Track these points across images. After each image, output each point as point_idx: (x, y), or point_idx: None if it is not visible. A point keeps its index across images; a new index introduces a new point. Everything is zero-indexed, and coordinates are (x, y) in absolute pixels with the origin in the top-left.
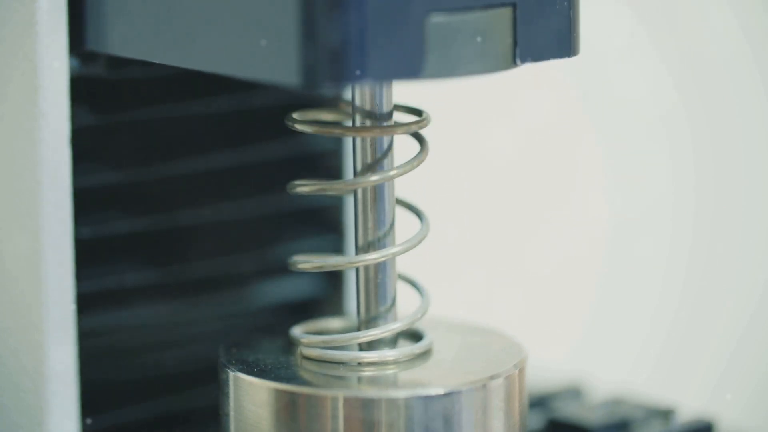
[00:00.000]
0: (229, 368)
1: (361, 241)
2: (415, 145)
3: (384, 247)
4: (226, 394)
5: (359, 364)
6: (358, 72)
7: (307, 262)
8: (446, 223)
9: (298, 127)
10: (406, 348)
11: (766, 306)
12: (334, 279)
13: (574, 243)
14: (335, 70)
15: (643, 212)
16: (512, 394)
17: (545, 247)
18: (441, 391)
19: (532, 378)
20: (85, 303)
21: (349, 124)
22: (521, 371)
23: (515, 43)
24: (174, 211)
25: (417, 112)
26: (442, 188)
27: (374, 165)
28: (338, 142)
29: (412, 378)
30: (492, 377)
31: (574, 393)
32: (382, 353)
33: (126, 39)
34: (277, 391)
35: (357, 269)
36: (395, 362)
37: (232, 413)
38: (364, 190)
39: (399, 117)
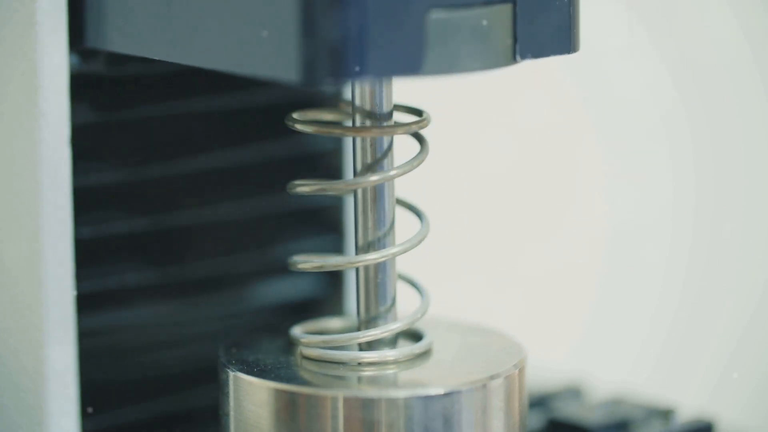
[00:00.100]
0: (229, 368)
1: (361, 241)
2: (415, 145)
3: (384, 247)
4: (226, 394)
5: (359, 364)
6: (357, 68)
7: (307, 262)
8: (446, 223)
9: (298, 126)
10: (406, 348)
11: (766, 306)
12: (334, 279)
13: (574, 243)
14: (335, 67)
15: (643, 212)
16: (512, 394)
17: (545, 247)
18: (441, 391)
19: (532, 378)
20: (85, 303)
21: (349, 124)
22: (521, 371)
23: (515, 40)
24: (174, 211)
25: (417, 112)
26: (442, 188)
27: (374, 165)
28: (338, 142)
29: (412, 378)
30: (492, 377)
31: (574, 393)
32: (382, 353)
33: (126, 36)
34: (277, 391)
35: (357, 269)
36: (395, 362)
37: (232, 413)
38: (364, 190)
39: (399, 117)
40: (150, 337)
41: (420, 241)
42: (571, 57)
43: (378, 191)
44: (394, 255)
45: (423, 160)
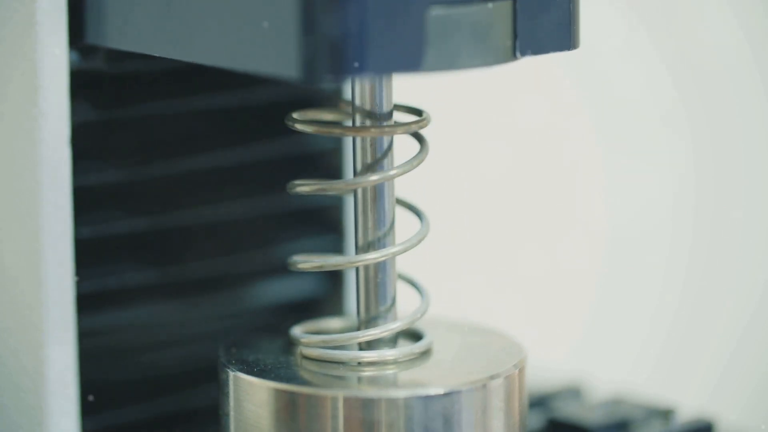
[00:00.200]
0: (229, 368)
1: (361, 241)
2: (415, 145)
3: (384, 247)
4: (226, 394)
5: (359, 363)
6: (357, 65)
7: (307, 262)
8: (446, 223)
9: (298, 126)
10: (406, 348)
11: (766, 306)
12: (334, 279)
13: (574, 243)
14: (335, 63)
15: (643, 212)
16: (512, 394)
17: (545, 246)
18: (441, 391)
19: (532, 378)
20: (85, 303)
21: (349, 123)
22: (521, 371)
23: (515, 36)
24: (174, 211)
25: (417, 112)
26: (442, 188)
27: (374, 165)
28: (338, 141)
29: (412, 378)
30: (492, 377)
31: (574, 393)
32: (382, 353)
33: (126, 33)
34: (277, 391)
35: (357, 269)
36: (395, 362)
37: (232, 413)
38: (364, 190)
39: (399, 117)
40: (150, 337)
41: (420, 241)
42: (571, 57)
43: (378, 191)
44: (394, 255)
45: (423, 160)
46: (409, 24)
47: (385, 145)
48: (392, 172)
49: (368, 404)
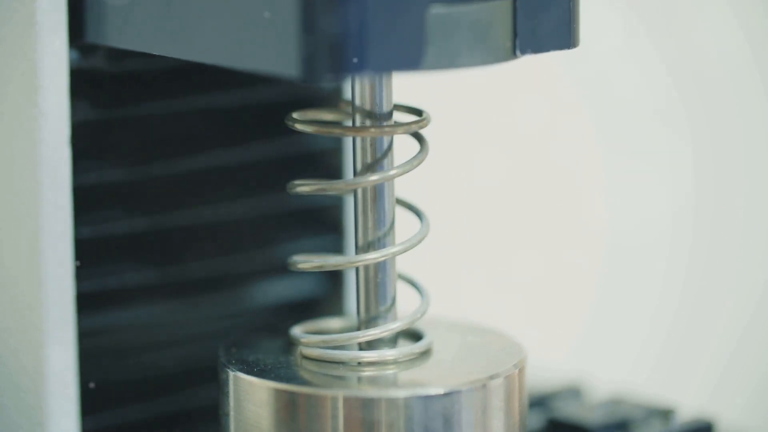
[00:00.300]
0: (229, 368)
1: (361, 241)
2: (415, 145)
3: (384, 247)
4: (226, 394)
5: (359, 363)
6: (357, 64)
7: (307, 262)
8: (446, 223)
9: (298, 126)
10: (406, 348)
11: (766, 306)
12: (334, 279)
13: (574, 243)
14: (335, 62)
15: (643, 212)
16: (512, 394)
17: (545, 246)
18: (441, 391)
19: (532, 378)
20: (85, 303)
21: (349, 123)
22: (521, 371)
23: (515, 35)
24: (174, 211)
25: (417, 112)
26: (442, 188)
27: (374, 165)
28: (338, 141)
29: (412, 378)
30: (492, 377)
31: (574, 393)
32: (381, 353)
33: (126, 31)
34: (277, 391)
35: (357, 269)
36: (395, 362)
37: (232, 413)
38: (364, 190)
39: (399, 117)
40: (150, 337)
41: (420, 241)
42: (572, 57)
43: (378, 191)
44: (394, 255)
45: (423, 160)
46: (409, 23)
47: (385, 145)
48: (392, 172)
49: (368, 404)
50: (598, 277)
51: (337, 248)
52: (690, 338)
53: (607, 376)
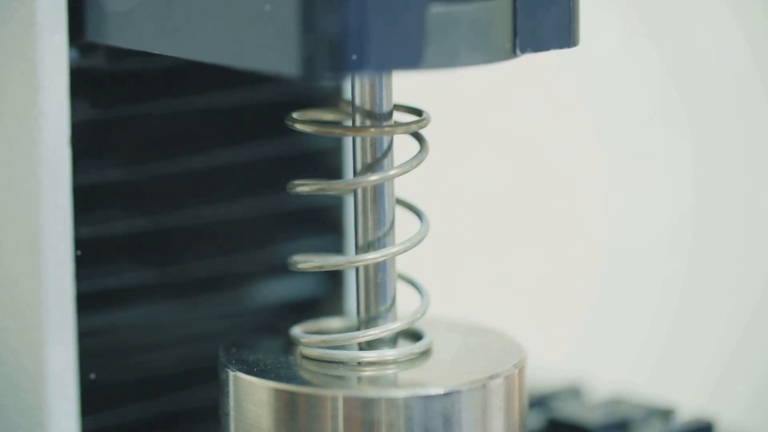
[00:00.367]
0: (229, 368)
1: (361, 241)
2: (415, 145)
3: (384, 246)
4: (226, 394)
5: (359, 363)
6: (357, 63)
7: (307, 262)
8: (446, 223)
9: (298, 126)
10: (406, 348)
11: (766, 306)
12: (334, 279)
13: (574, 243)
14: (335, 61)
15: (643, 212)
16: (512, 394)
17: (545, 246)
18: (441, 391)
19: (532, 378)
20: (85, 303)
21: (349, 123)
22: (521, 371)
23: (515, 34)
24: (174, 211)
25: (417, 112)
26: (442, 188)
27: (374, 165)
28: (338, 141)
29: (412, 378)
30: (492, 377)
31: (574, 393)
32: (381, 353)
33: (126, 30)
34: (277, 391)
35: (357, 269)
36: (395, 362)
37: (232, 413)
38: (364, 190)
39: (399, 117)
40: (150, 337)
41: (420, 241)
42: (571, 56)
43: (378, 191)
44: (394, 255)
45: (423, 160)
46: (409, 21)
47: (385, 145)
48: (392, 172)
49: (368, 404)
50: (598, 276)
51: (337, 248)
52: (690, 338)
53: (607, 376)
